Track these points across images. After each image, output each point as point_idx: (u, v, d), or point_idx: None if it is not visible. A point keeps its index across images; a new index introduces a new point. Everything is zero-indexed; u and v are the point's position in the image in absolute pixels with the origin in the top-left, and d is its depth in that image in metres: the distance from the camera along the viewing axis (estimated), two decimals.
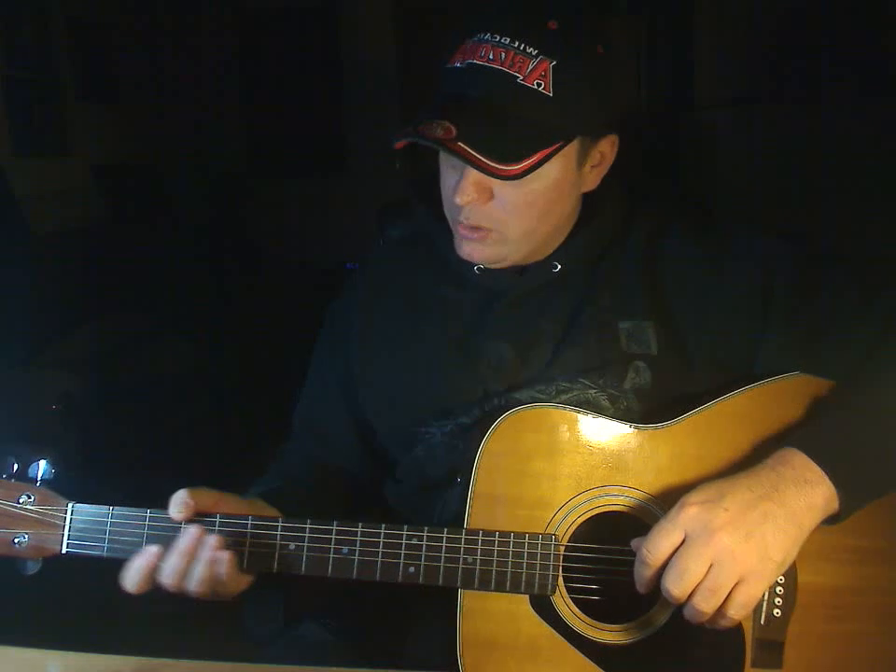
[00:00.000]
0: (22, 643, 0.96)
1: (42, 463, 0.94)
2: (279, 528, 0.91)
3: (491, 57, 0.91)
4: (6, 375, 2.67)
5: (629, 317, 1.01)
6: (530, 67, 0.90)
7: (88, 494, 0.95)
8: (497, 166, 0.89)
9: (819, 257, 1.01)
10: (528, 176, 0.92)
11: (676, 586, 0.81)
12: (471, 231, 0.99)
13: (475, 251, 1.01)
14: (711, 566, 0.81)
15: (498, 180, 0.92)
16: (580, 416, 0.94)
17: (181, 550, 0.89)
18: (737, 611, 0.82)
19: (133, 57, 4.91)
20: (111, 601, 0.94)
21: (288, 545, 0.91)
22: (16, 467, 0.93)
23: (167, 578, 0.89)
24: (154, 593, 0.93)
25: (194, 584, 0.89)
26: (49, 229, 3.71)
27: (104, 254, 3.72)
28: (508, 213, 0.96)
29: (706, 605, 0.81)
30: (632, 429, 0.93)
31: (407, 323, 1.09)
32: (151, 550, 0.89)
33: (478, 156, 0.89)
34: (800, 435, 0.88)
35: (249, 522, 0.92)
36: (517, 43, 0.91)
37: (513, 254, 1.01)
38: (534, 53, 0.90)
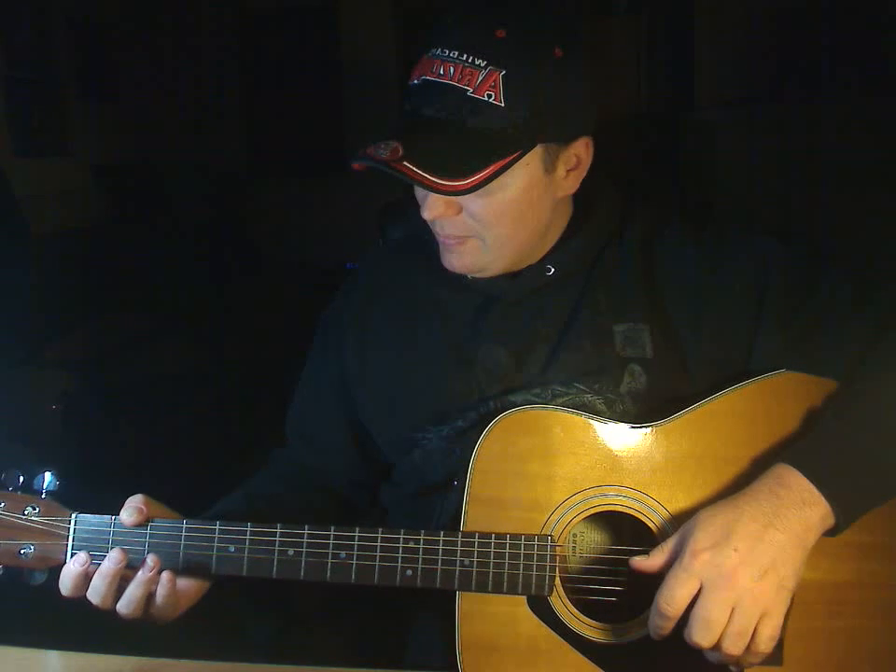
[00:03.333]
0: (22, 643, 0.96)
1: (46, 475, 0.95)
2: (277, 535, 0.92)
3: (441, 72, 0.90)
4: (6, 375, 2.67)
5: (624, 320, 1.01)
6: (480, 79, 0.89)
7: (87, 495, 0.95)
8: (442, 182, 0.88)
9: (814, 256, 1.01)
10: (491, 188, 0.91)
11: (703, 638, 0.81)
12: (449, 240, 0.99)
13: (456, 261, 1.01)
14: (733, 610, 0.81)
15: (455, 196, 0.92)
16: (574, 417, 0.94)
17: (103, 572, 0.89)
18: (767, 645, 0.82)
19: (133, 57, 4.91)
20: None
21: (287, 551, 0.92)
22: (21, 479, 0.95)
23: (92, 597, 0.90)
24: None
25: (124, 606, 0.90)
26: (49, 229, 3.71)
27: (104, 254, 3.72)
28: (479, 223, 0.97)
29: (735, 648, 0.81)
30: (626, 429, 0.94)
31: (403, 326, 1.10)
32: (80, 557, 0.90)
33: (422, 174, 0.88)
34: (795, 451, 0.88)
35: (248, 528, 0.92)
36: (465, 56, 0.90)
37: (494, 263, 1.01)
38: (483, 65, 0.89)
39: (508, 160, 0.91)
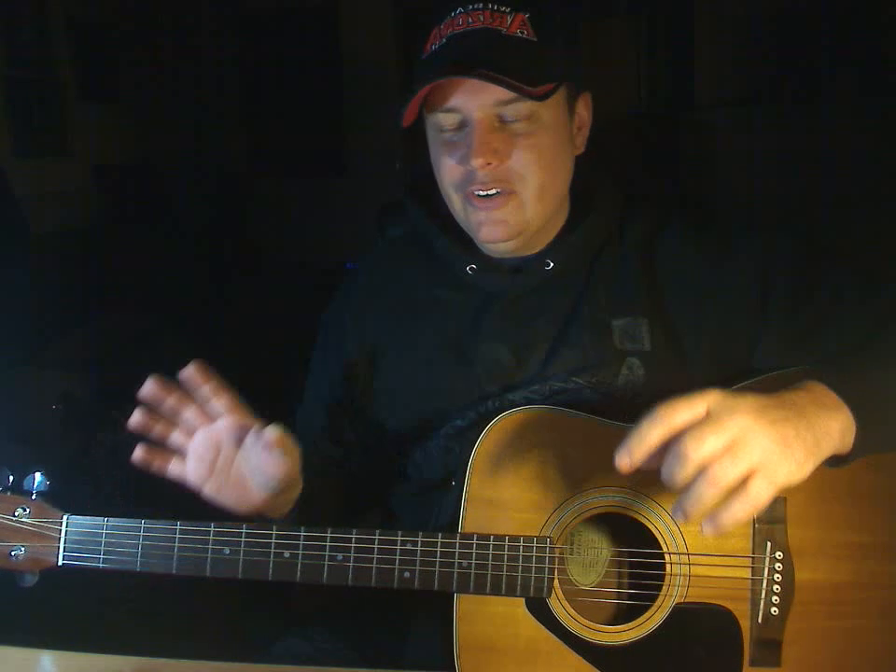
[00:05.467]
0: (22, 643, 0.96)
1: (37, 475, 0.94)
2: (273, 536, 0.91)
3: (470, 21, 0.95)
4: (6, 375, 2.67)
5: (623, 314, 1.01)
6: (509, 20, 0.95)
7: (87, 495, 0.95)
8: (522, 85, 0.92)
9: (816, 254, 1.02)
10: (532, 128, 0.96)
11: (694, 450, 0.72)
12: (488, 202, 0.99)
13: (493, 232, 1.01)
14: (731, 444, 0.73)
15: (515, 118, 0.96)
16: (572, 418, 0.94)
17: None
18: (744, 506, 0.73)
19: (133, 57, 4.91)
20: (111, 601, 0.94)
21: (283, 553, 0.91)
22: (11, 479, 0.94)
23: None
24: (153, 593, 0.93)
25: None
26: (49, 229, 3.71)
27: (104, 254, 3.72)
28: (523, 168, 0.98)
29: (713, 487, 0.72)
30: (626, 429, 0.93)
31: (402, 325, 1.10)
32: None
33: (501, 77, 0.91)
34: (822, 372, 0.85)
35: (244, 530, 0.92)
36: (491, 4, 0.95)
37: (533, 220, 1.01)
38: (507, 10, 0.95)
39: (552, 86, 0.95)
